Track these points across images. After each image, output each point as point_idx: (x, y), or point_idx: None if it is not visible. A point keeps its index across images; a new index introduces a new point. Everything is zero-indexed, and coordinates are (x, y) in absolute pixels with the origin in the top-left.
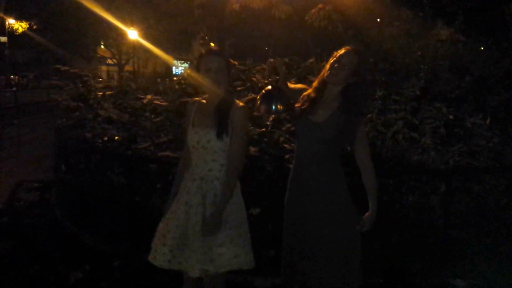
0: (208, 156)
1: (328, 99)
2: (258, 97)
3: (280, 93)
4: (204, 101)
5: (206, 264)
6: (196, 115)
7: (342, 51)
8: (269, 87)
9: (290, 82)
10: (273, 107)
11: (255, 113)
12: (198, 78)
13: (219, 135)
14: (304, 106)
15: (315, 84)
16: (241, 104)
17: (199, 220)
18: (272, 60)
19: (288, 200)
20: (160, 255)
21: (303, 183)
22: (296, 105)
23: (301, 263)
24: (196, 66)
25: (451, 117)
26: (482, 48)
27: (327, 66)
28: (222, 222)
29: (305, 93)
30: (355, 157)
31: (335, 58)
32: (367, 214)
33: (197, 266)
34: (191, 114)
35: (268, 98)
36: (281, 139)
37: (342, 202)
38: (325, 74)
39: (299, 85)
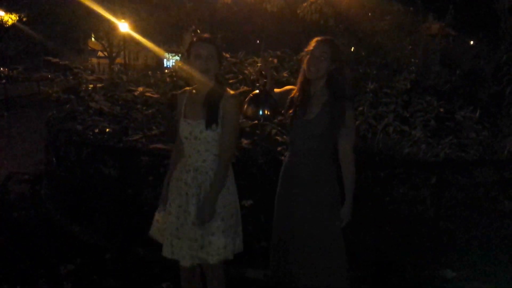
0: (201, 146)
1: (315, 95)
2: (245, 100)
3: (268, 98)
4: (194, 91)
5: (197, 252)
6: (187, 105)
7: (312, 45)
8: (257, 91)
9: (281, 78)
10: (260, 111)
11: (241, 117)
12: (188, 66)
13: (208, 126)
14: (293, 109)
15: (298, 85)
16: (232, 92)
17: (193, 210)
18: (260, 65)
19: (279, 194)
20: (177, 249)
21: (295, 178)
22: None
23: (288, 255)
24: (186, 53)
25: (441, 110)
26: (472, 42)
27: (304, 64)
28: (216, 212)
29: (291, 95)
30: (339, 146)
31: (308, 55)
32: (343, 207)
33: (188, 254)
34: (182, 104)
35: (256, 102)
36: (273, 131)
37: (331, 199)
38: (306, 72)
39: (286, 87)
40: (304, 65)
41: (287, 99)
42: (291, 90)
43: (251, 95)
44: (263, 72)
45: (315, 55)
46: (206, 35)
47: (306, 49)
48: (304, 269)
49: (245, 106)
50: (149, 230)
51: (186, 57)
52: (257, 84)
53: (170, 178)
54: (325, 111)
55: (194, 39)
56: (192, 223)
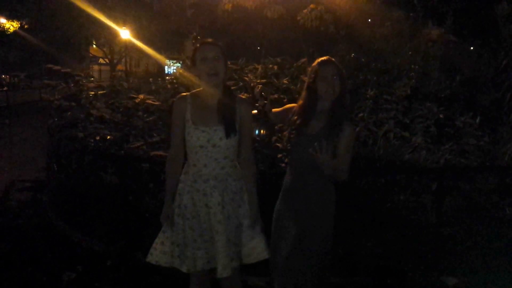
0: (220, 154)
1: (322, 112)
2: None
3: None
4: (201, 96)
5: (236, 259)
6: (195, 112)
7: (319, 67)
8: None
9: (281, 85)
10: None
11: None
12: (195, 71)
13: (228, 134)
14: (299, 122)
15: (303, 100)
16: (242, 96)
17: (221, 219)
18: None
19: (278, 208)
20: (199, 259)
21: (295, 192)
22: (292, 118)
23: (282, 263)
24: (191, 60)
25: (441, 116)
26: (472, 48)
27: (310, 84)
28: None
29: (296, 108)
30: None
31: (320, 77)
32: None
33: (225, 262)
34: (184, 111)
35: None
36: (274, 138)
37: (327, 216)
38: (324, 95)
39: (286, 106)
40: (310, 83)
41: (287, 117)
42: (290, 108)
43: None
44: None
45: (328, 76)
46: (209, 39)
47: (310, 71)
48: (293, 276)
49: None
50: (150, 250)
51: (191, 64)
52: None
53: (173, 192)
54: (326, 129)
55: (198, 45)
56: (223, 232)
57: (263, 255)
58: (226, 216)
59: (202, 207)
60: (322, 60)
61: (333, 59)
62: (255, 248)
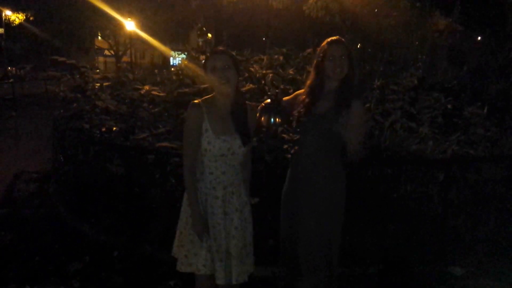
0: (237, 161)
1: (329, 92)
2: (258, 109)
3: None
4: (215, 104)
5: (250, 263)
6: (214, 121)
7: (328, 47)
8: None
9: (286, 75)
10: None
11: (257, 127)
12: (207, 79)
13: (245, 143)
14: (307, 101)
15: (311, 83)
16: (252, 104)
17: (238, 225)
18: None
19: (286, 192)
20: (219, 272)
21: (303, 176)
22: (300, 98)
23: (296, 252)
24: (203, 69)
25: (449, 106)
26: (479, 38)
27: (318, 64)
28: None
29: (304, 89)
30: (345, 139)
31: (328, 56)
32: None
33: (240, 269)
34: (201, 120)
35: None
36: (280, 129)
37: (338, 198)
38: (331, 74)
39: (295, 93)
40: (318, 64)
41: (297, 101)
42: (299, 94)
43: (262, 104)
44: (274, 82)
45: (336, 55)
46: (219, 48)
47: (319, 51)
48: (305, 264)
49: (258, 116)
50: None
51: (203, 71)
52: (269, 93)
53: (198, 202)
54: (335, 109)
55: (208, 54)
56: (237, 239)
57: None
58: (243, 220)
59: (221, 214)
60: (331, 40)
61: (342, 39)
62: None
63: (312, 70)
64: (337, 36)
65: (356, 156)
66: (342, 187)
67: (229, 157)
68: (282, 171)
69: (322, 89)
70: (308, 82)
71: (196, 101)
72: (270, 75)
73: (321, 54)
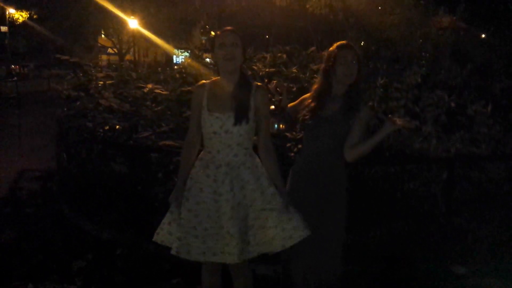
0: (233, 140)
1: (336, 96)
2: None
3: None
4: (217, 83)
5: (246, 249)
6: (210, 98)
7: (338, 51)
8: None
9: (289, 74)
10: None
11: None
12: (213, 56)
13: (237, 121)
14: (313, 105)
15: (318, 84)
16: (258, 83)
17: (234, 206)
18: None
19: (290, 190)
20: (194, 248)
21: (307, 176)
22: (306, 102)
23: (296, 251)
24: (210, 47)
25: (452, 104)
26: (483, 35)
27: (328, 68)
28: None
29: (311, 92)
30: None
31: (340, 61)
32: None
33: (235, 251)
34: (201, 97)
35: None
36: (283, 127)
37: (340, 198)
38: (342, 77)
39: (301, 98)
40: (326, 67)
41: (302, 105)
42: (305, 98)
43: None
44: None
45: (348, 60)
46: (229, 27)
47: (329, 56)
48: (309, 263)
49: None
50: (157, 229)
51: (210, 51)
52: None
53: (185, 175)
54: (341, 112)
55: (218, 32)
56: (235, 220)
57: (306, 233)
58: (237, 203)
59: (210, 193)
60: (341, 44)
61: (350, 43)
62: (297, 228)
63: (320, 74)
64: (345, 41)
65: (350, 160)
66: (345, 187)
67: (222, 135)
68: (285, 169)
69: (329, 94)
70: (315, 86)
71: (202, 81)
72: (274, 81)
73: (331, 59)
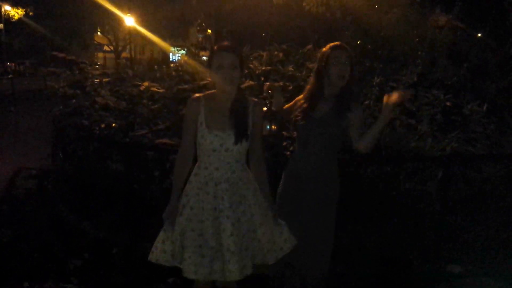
0: (232, 158)
1: (329, 96)
2: None
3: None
4: (214, 99)
5: (248, 265)
6: (209, 115)
7: (332, 52)
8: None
9: (286, 72)
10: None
11: None
12: (210, 76)
13: (238, 140)
14: (305, 105)
15: (311, 85)
16: (254, 99)
17: (235, 222)
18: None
19: (282, 194)
20: (201, 267)
21: (300, 176)
22: (299, 103)
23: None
24: (207, 63)
25: (448, 104)
26: (480, 35)
27: (321, 68)
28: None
29: (304, 93)
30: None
31: (332, 61)
32: None
33: (236, 267)
34: (197, 113)
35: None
36: (274, 128)
37: (334, 198)
38: (335, 78)
39: (295, 99)
40: (319, 68)
41: (295, 108)
42: (299, 99)
43: None
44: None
45: (341, 60)
46: (227, 44)
47: (321, 56)
48: (298, 261)
49: None
50: (156, 232)
51: (207, 67)
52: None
53: (179, 191)
54: (333, 112)
55: (215, 48)
56: (235, 237)
57: (294, 243)
58: (237, 219)
59: (210, 210)
60: (334, 45)
61: (344, 44)
62: (287, 240)
63: (313, 74)
64: (339, 42)
65: (365, 150)
66: (337, 188)
67: (222, 153)
68: (281, 168)
69: (322, 94)
70: (308, 86)
71: (197, 94)
72: (267, 83)
73: (324, 59)
